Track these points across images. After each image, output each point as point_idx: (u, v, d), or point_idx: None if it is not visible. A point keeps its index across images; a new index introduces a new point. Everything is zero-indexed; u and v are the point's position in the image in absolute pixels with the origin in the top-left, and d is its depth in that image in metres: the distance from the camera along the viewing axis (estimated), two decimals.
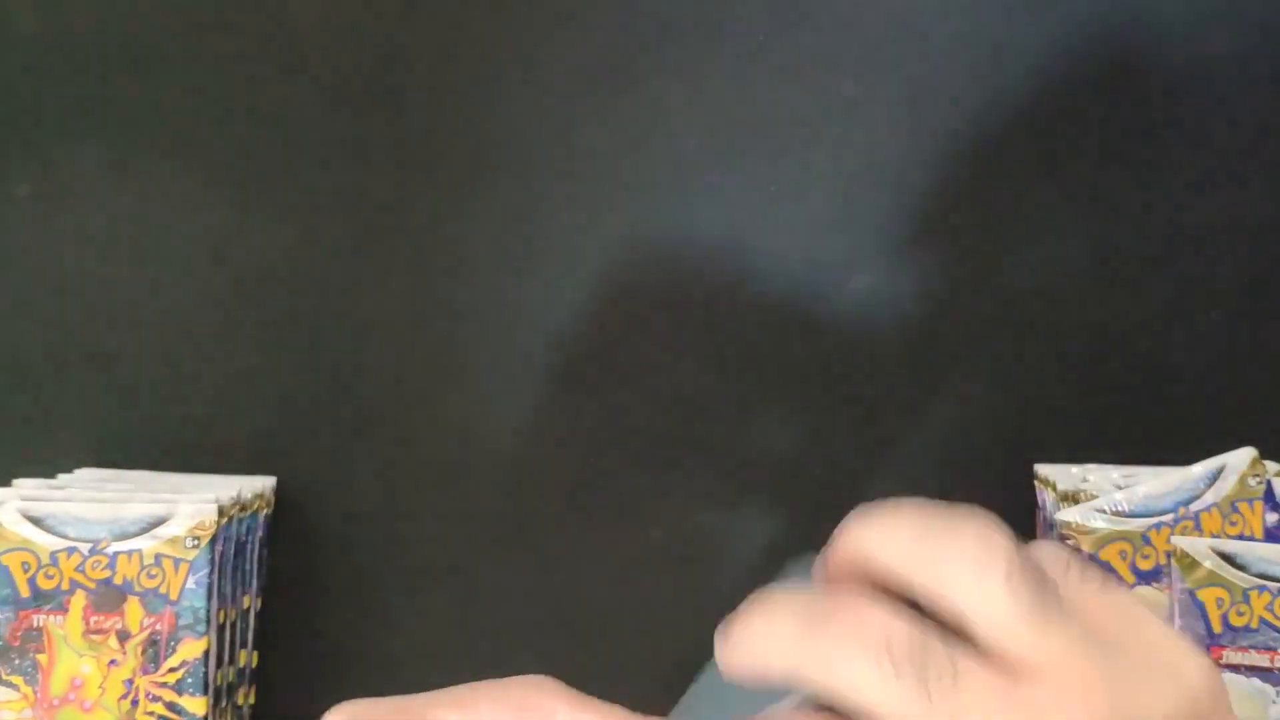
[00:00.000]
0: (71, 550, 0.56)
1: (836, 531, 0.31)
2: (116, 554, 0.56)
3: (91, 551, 0.56)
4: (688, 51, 0.67)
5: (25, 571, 0.56)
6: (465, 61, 0.67)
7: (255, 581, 0.63)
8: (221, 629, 0.59)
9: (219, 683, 0.59)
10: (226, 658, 0.60)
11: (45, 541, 0.56)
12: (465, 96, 0.67)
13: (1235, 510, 0.56)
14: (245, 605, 0.62)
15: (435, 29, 0.68)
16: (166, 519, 0.56)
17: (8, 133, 0.67)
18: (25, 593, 0.56)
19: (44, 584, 0.56)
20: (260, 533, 0.63)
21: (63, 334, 0.66)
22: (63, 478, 0.62)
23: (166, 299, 0.67)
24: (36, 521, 0.57)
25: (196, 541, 0.57)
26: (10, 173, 0.67)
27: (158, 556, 0.56)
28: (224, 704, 0.60)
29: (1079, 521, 0.56)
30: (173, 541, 0.56)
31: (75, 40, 0.68)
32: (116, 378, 0.66)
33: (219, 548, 0.57)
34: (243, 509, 0.61)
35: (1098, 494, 0.57)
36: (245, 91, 0.67)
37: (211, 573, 0.57)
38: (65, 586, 0.56)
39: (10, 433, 0.66)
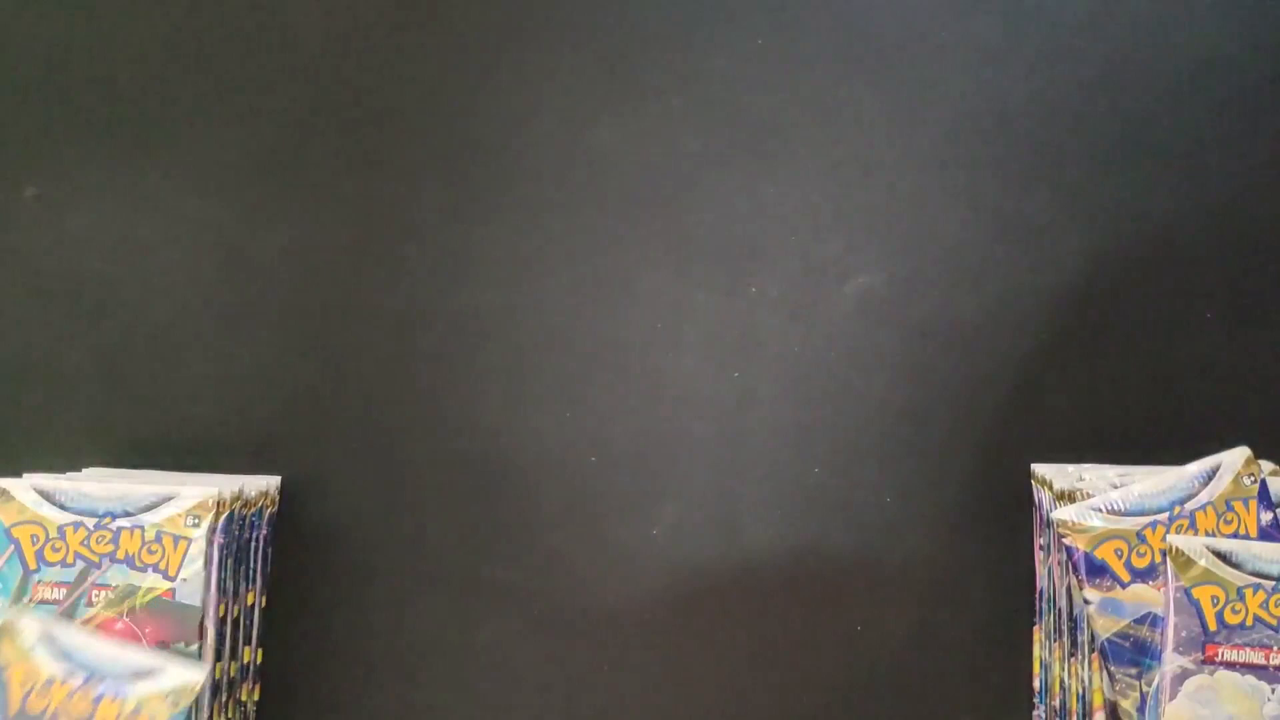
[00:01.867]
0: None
1: None
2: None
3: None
4: (689, 56, 0.67)
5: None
6: (469, 66, 0.68)
7: (260, 578, 0.64)
8: (224, 625, 0.59)
9: (219, 676, 0.59)
10: (229, 653, 0.60)
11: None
12: (469, 101, 0.68)
13: (1230, 509, 0.56)
14: (249, 602, 0.63)
15: (440, 32, 0.68)
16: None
17: (15, 136, 0.68)
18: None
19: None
20: (265, 530, 0.64)
21: (71, 335, 0.67)
22: (71, 476, 0.63)
23: (173, 300, 0.67)
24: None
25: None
26: (18, 175, 0.68)
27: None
28: (227, 699, 0.60)
29: (1075, 520, 0.56)
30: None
31: (81, 44, 0.68)
32: (124, 378, 0.67)
33: (218, 538, 0.58)
34: (246, 506, 0.61)
35: (1094, 493, 0.57)
36: (251, 95, 0.68)
37: (208, 548, 0.58)
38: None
39: (19, 432, 0.67)
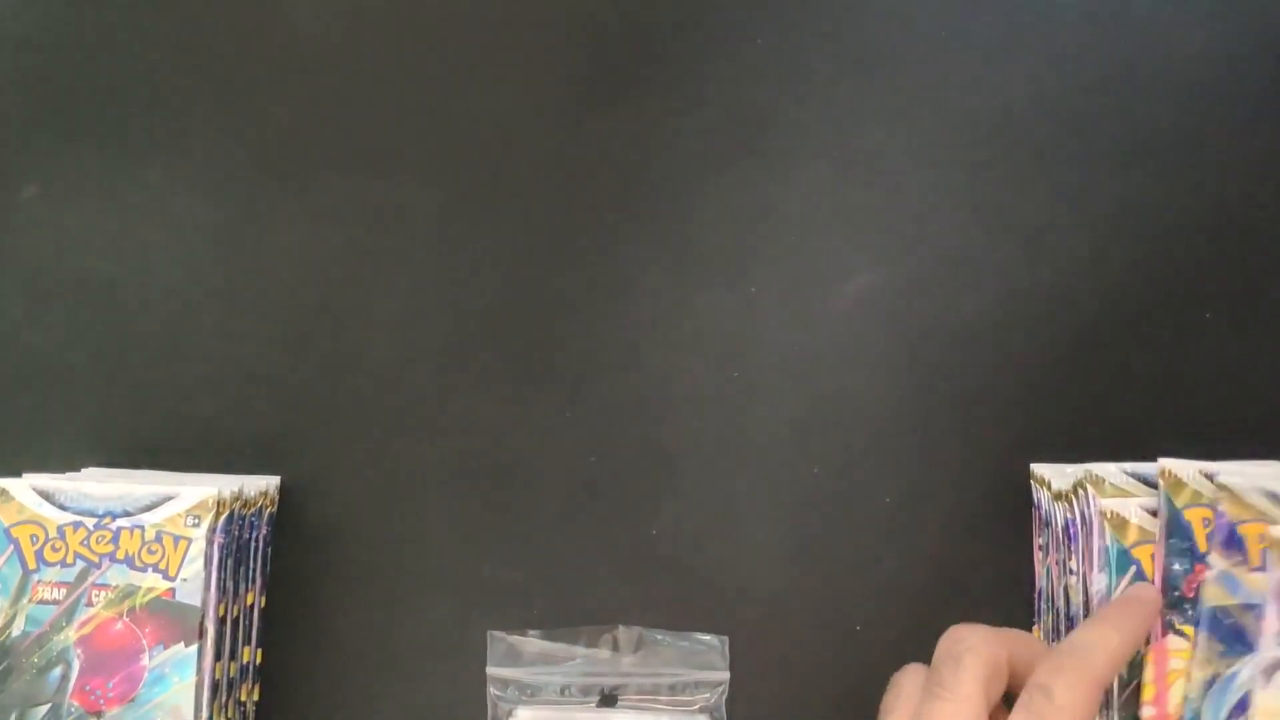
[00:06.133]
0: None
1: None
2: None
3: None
4: (689, 56, 0.67)
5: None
6: (468, 67, 0.68)
7: (259, 578, 0.64)
8: (224, 625, 0.60)
9: (219, 676, 0.59)
10: (229, 653, 0.61)
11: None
12: (469, 101, 0.68)
13: None
14: (249, 602, 0.63)
15: (439, 32, 0.68)
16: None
17: (14, 134, 0.68)
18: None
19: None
20: (264, 530, 0.64)
21: (69, 334, 0.67)
22: (71, 476, 0.63)
23: (172, 299, 0.67)
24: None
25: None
26: (16, 174, 0.68)
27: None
28: (225, 700, 0.60)
29: (1240, 494, 0.54)
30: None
31: (80, 41, 0.68)
32: (122, 378, 0.67)
33: (218, 538, 0.58)
34: (246, 506, 0.61)
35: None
36: (251, 93, 0.68)
37: (208, 548, 0.58)
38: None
39: (17, 432, 0.67)
